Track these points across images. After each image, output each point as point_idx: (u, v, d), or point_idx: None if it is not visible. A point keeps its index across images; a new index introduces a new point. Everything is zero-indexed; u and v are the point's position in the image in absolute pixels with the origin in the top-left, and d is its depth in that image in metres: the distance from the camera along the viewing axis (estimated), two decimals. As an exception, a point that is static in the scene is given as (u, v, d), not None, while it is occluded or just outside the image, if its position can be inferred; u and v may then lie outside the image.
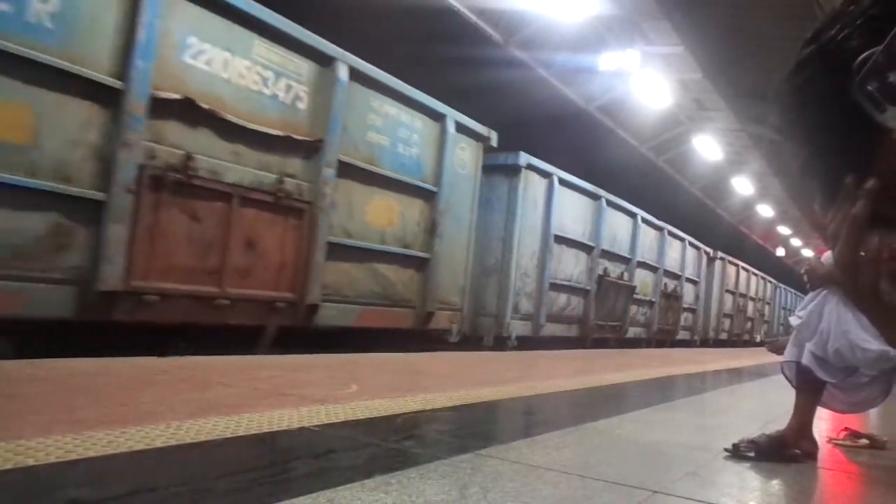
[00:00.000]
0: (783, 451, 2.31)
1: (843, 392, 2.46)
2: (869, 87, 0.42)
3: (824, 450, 2.55)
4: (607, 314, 10.12)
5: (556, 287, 8.73)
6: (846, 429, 2.84)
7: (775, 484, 2.10)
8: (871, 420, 3.41)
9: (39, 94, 3.44)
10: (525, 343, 7.99)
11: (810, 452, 2.38)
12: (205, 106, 4.18)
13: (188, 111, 4.11)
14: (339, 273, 5.34)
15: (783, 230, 31.86)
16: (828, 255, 2.52)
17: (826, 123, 0.47)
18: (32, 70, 3.38)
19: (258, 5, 4.51)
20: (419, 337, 6.32)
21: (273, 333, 4.86)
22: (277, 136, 4.70)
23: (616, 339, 10.54)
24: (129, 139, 3.78)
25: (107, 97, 3.71)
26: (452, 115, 6.44)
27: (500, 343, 7.76)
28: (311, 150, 4.97)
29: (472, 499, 1.53)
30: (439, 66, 9.56)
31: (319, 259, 5.06)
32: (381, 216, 5.75)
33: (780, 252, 35.32)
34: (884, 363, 2.26)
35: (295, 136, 4.83)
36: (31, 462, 1.49)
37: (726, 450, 2.31)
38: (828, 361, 2.31)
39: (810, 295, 2.43)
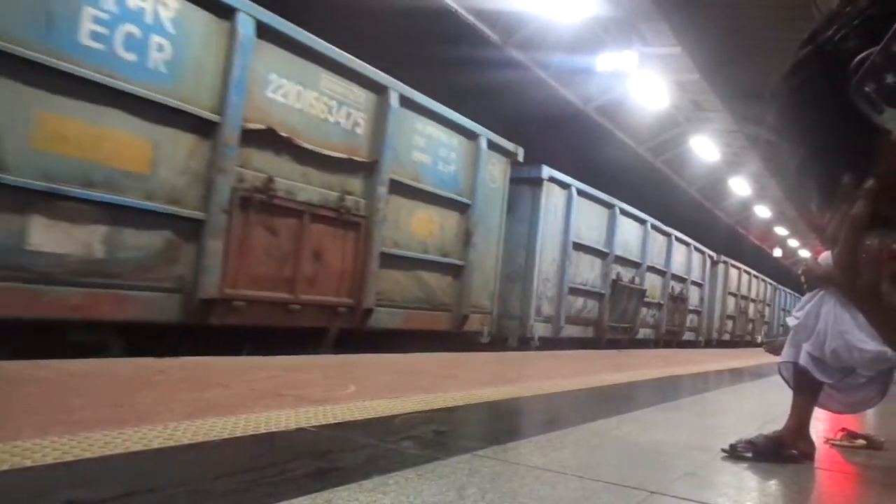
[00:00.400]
0: (780, 452, 2.31)
1: (840, 392, 2.47)
2: (866, 89, 0.42)
3: (821, 450, 2.55)
4: (620, 316, 10.68)
5: (574, 291, 9.27)
6: (843, 429, 2.84)
7: (772, 484, 2.10)
8: (868, 420, 3.42)
9: (156, 129, 4.05)
10: (546, 344, 8.38)
11: (807, 453, 2.39)
12: (283, 134, 4.81)
13: (270, 139, 4.73)
14: (389, 280, 5.94)
15: (780, 231, 31.91)
16: (824, 256, 2.53)
17: (823, 124, 0.47)
18: (151, 109, 3.98)
19: (326, 44, 5.11)
20: (454, 338, 6.83)
21: (335, 335, 5.39)
22: (340, 159, 5.32)
23: (628, 340, 10.97)
24: (224, 166, 4.38)
25: (207, 130, 4.30)
26: (485, 134, 7.03)
27: (524, 344, 8.14)
28: (367, 170, 5.60)
29: (469, 499, 1.53)
30: (437, 66, 9.56)
31: (374, 268, 5.68)
32: (423, 227, 6.38)
33: (778, 253, 35.35)
34: (881, 364, 2.27)
35: (355, 158, 5.46)
36: (27, 463, 1.48)
37: (724, 450, 2.31)
38: (825, 362, 2.31)
39: (807, 296, 2.44)
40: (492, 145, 7.14)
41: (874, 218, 0.44)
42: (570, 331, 9.23)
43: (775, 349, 2.88)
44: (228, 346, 4.47)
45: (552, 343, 8.55)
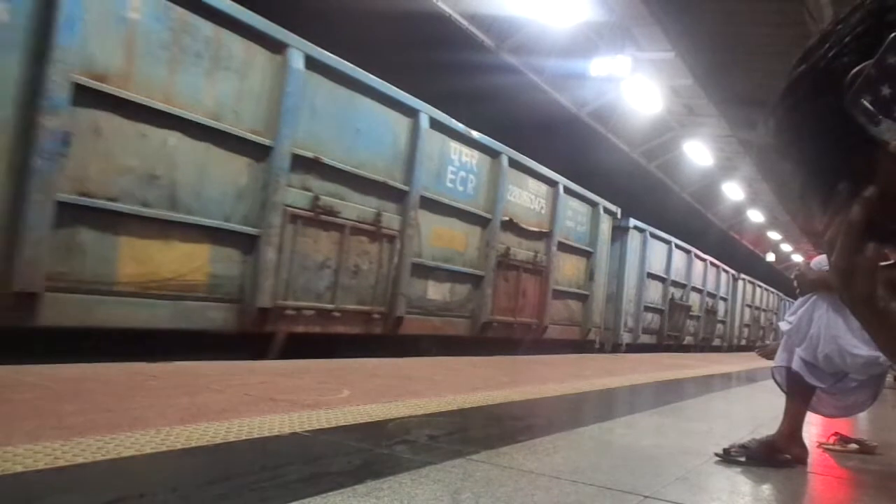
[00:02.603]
0: (773, 456, 2.32)
1: (832, 397, 2.48)
2: (862, 101, 0.42)
3: (814, 454, 2.56)
4: (672, 327, 13.49)
5: (646, 308, 12.05)
6: (836, 433, 2.85)
7: (765, 489, 2.11)
8: (860, 425, 3.44)
9: (467, 226, 6.98)
10: (628, 349, 11.27)
11: (800, 457, 2.40)
12: (515, 221, 7.74)
13: (509, 225, 7.65)
14: (554, 307, 8.83)
15: (773, 235, 32.04)
16: (817, 261, 2.54)
17: (821, 139, 0.47)
18: (466, 215, 6.90)
19: (533, 161, 8.03)
20: (581, 345, 9.64)
21: (528, 343, 8.19)
22: (535, 231, 8.25)
23: (677, 346, 13.68)
24: (493, 243, 7.29)
25: (485, 223, 7.21)
26: (602, 203, 9.99)
27: (616, 349, 11.02)
28: (546, 237, 8.51)
29: (463, 504, 1.53)
30: (431, 70, 9.57)
31: (549, 299, 8.64)
32: (569, 270, 9.37)
33: (770, 257, 35.49)
34: (873, 368, 2.28)
35: (541, 230, 8.40)
36: (19, 469, 1.47)
37: (717, 454, 2.32)
38: (817, 366, 2.32)
39: (800, 300, 2.45)
40: (605, 209, 10.13)
41: (871, 225, 0.45)
42: (644, 339, 12.05)
43: (768, 354, 2.89)
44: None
45: (632, 348, 11.41)
